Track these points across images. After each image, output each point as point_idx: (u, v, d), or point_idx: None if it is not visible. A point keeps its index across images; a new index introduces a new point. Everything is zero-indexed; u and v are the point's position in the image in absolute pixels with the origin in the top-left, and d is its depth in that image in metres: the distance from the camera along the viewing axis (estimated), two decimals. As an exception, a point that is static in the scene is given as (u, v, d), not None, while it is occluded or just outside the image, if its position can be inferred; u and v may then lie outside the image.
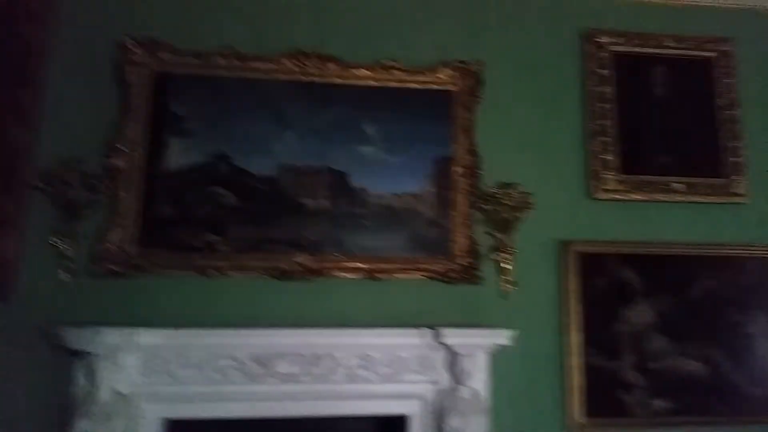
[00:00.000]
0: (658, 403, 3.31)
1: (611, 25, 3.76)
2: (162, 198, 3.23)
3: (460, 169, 3.46)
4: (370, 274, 3.28)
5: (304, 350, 3.07)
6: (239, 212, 3.27)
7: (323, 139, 3.41)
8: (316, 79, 3.46)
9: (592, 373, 3.30)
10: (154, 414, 2.98)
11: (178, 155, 3.28)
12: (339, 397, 3.07)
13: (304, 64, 3.45)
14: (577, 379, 3.29)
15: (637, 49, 3.76)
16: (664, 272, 3.46)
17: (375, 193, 3.39)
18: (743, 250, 3.53)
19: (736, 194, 3.59)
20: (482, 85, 3.56)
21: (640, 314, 3.40)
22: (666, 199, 3.57)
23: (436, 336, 3.10)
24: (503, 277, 3.40)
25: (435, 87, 3.55)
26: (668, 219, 3.57)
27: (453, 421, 3.03)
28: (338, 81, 3.48)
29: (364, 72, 3.50)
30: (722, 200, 3.59)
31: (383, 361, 3.13)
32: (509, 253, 3.42)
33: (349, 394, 3.08)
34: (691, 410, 3.33)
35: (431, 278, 3.33)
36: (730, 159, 3.63)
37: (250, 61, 3.42)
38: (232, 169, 3.30)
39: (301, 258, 3.25)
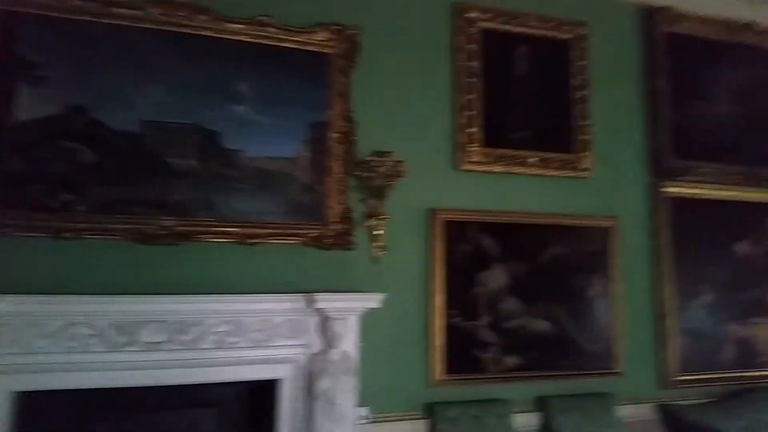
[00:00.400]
0: (510, 360, 3.63)
1: (481, 1, 3.90)
2: (10, 152, 2.88)
3: (335, 135, 3.45)
4: (243, 239, 3.21)
5: (170, 317, 2.96)
6: (98, 170, 3.02)
7: (193, 94, 3.23)
8: (186, 31, 3.25)
9: (452, 333, 3.53)
10: (2, 387, 2.72)
11: (30, 105, 2.93)
12: (208, 364, 3.01)
13: (173, 14, 3.22)
14: (439, 339, 3.50)
15: (503, 27, 3.94)
16: (518, 240, 3.76)
17: (249, 156, 3.29)
18: (587, 220, 3.93)
19: (583, 169, 3.95)
20: (359, 51, 3.56)
21: (496, 278, 3.67)
22: (522, 171, 3.84)
23: (310, 301, 3.13)
24: (375, 243, 3.48)
25: (312, 49, 3.49)
26: (524, 190, 3.86)
27: (323, 383, 3.10)
28: (210, 34, 3.30)
29: (238, 27, 3.35)
30: (571, 174, 3.94)
31: (255, 326, 3.11)
32: (381, 220, 3.50)
33: (219, 361, 3.03)
34: (539, 365, 3.69)
35: (306, 244, 3.33)
36: (579, 136, 3.98)
37: (113, 6, 3.11)
38: (90, 123, 3.03)
39: (168, 221, 3.09)
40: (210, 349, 3.02)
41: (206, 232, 3.16)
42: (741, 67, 4.49)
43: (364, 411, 3.23)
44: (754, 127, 4.46)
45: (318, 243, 3.35)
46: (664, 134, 4.17)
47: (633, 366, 3.89)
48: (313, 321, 3.21)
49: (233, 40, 3.34)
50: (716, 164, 4.28)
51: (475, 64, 3.82)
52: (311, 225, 3.35)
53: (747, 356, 4.19)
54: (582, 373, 3.77)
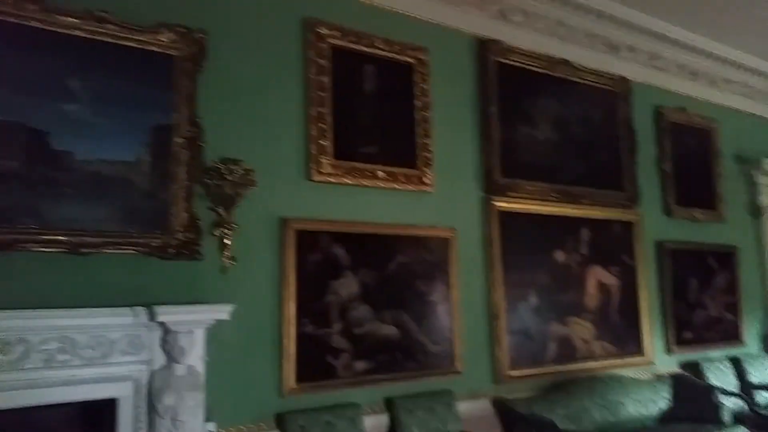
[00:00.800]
0: (361, 364, 3.71)
1: (331, 18, 4.01)
2: None
3: (181, 140, 3.32)
4: (74, 249, 2.94)
5: (-15, 336, 2.61)
6: None
7: (19, 90, 2.92)
8: (12, 20, 2.94)
9: (305, 341, 3.53)
10: None
11: None
12: (35, 386, 2.69)
13: (-3, 0, 2.90)
14: (291, 347, 3.48)
15: (352, 45, 4.08)
16: (368, 249, 3.87)
17: (81, 158, 3.04)
18: (429, 231, 4.16)
19: (425, 183, 4.20)
20: (206, 55, 3.47)
21: (348, 286, 3.75)
22: (371, 184, 3.99)
23: (151, 314, 2.94)
24: (224, 252, 3.39)
25: (155, 49, 3.33)
26: (373, 202, 4.00)
27: (167, 400, 2.92)
28: (39, 26, 3.02)
29: (71, 20, 3.10)
30: (415, 188, 4.16)
31: (88, 343, 2.85)
32: (230, 229, 3.42)
33: (47, 382, 2.72)
34: (387, 368, 3.81)
35: (147, 254, 3.13)
36: (422, 153, 4.22)
37: None
38: None
39: (-16, 228, 2.74)
40: (37, 369, 2.70)
41: (31, 241, 2.85)
42: (559, 98, 5.09)
43: (211, 426, 3.08)
44: (569, 152, 5.06)
45: (161, 253, 3.17)
46: (495, 154, 4.58)
47: (471, 364, 4.17)
48: (155, 335, 3.02)
49: (66, 34, 3.08)
50: (538, 183, 4.79)
51: (325, 78, 3.91)
52: (153, 234, 3.16)
53: (566, 351, 4.70)
54: (426, 373, 3.96)
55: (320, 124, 3.83)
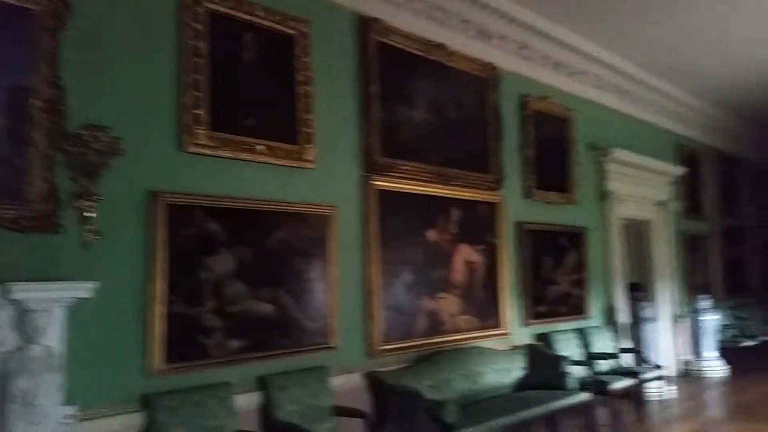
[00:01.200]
0: (235, 343, 3.66)
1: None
2: None
3: (40, 103, 3.03)
4: None
5: None
6: None
7: None
8: None
9: (175, 320, 3.40)
10: None
11: None
12: None
13: None
14: (159, 327, 3.34)
15: (231, 11, 3.91)
16: (245, 225, 3.80)
17: None
18: (309, 208, 4.16)
19: (306, 160, 4.17)
20: (71, 11, 3.18)
21: (223, 263, 3.66)
22: (250, 158, 3.89)
23: (4, 292, 2.69)
24: (86, 226, 3.16)
25: (11, 2, 3.00)
26: (251, 177, 3.91)
27: (21, 383, 2.71)
28: None
29: None
30: (295, 164, 4.13)
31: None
32: (94, 201, 3.19)
33: None
34: (263, 346, 3.79)
35: (-2, 226, 2.85)
36: (304, 129, 4.19)
37: None
38: None
39: None
40: None
41: None
42: (435, 81, 5.26)
43: (70, 409, 2.90)
44: (442, 134, 5.27)
45: (15, 225, 2.90)
46: (375, 134, 4.66)
47: (345, 340, 4.27)
48: (5, 314, 2.77)
49: None
50: (415, 163, 4.95)
51: (202, 44, 3.72)
52: (6, 204, 2.88)
53: (434, 325, 4.95)
54: (302, 350, 3.99)
55: (196, 92, 3.66)
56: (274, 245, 3.92)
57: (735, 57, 7.43)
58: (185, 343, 3.44)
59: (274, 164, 4.01)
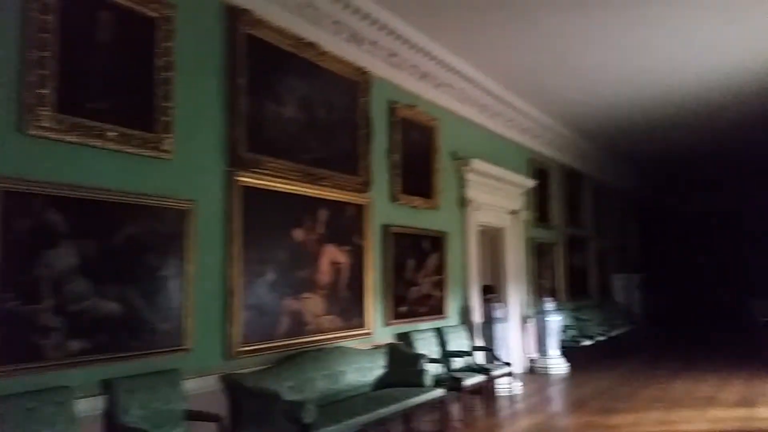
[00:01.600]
0: (76, 344, 3.34)
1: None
2: None
3: None
4: None
5: None
6: None
7: None
8: None
9: (5, 319, 3.04)
10: None
11: None
12: None
13: None
14: (-16, 327, 2.97)
15: (81, -13, 3.60)
16: (91, 217, 3.50)
17: None
18: (164, 201, 3.92)
19: (163, 150, 3.93)
20: None
21: (64, 258, 3.34)
22: (99, 144, 3.59)
23: None
24: None
25: None
26: (100, 165, 3.61)
27: None
28: None
29: None
30: (151, 154, 3.87)
31: None
32: None
33: None
34: (108, 348, 3.50)
35: None
36: (162, 117, 3.94)
37: None
38: None
39: None
40: None
41: None
42: (306, 80, 5.22)
43: None
44: (313, 134, 5.25)
45: None
46: (241, 128, 4.52)
47: (201, 341, 4.08)
48: None
49: None
50: (282, 161, 4.87)
51: (50, 18, 3.38)
52: None
53: (298, 326, 4.90)
54: (152, 352, 3.75)
55: (41, 71, 3.32)
56: (123, 240, 3.65)
57: (582, 81, 8.17)
58: (17, 344, 3.09)
59: (127, 152, 3.73)
